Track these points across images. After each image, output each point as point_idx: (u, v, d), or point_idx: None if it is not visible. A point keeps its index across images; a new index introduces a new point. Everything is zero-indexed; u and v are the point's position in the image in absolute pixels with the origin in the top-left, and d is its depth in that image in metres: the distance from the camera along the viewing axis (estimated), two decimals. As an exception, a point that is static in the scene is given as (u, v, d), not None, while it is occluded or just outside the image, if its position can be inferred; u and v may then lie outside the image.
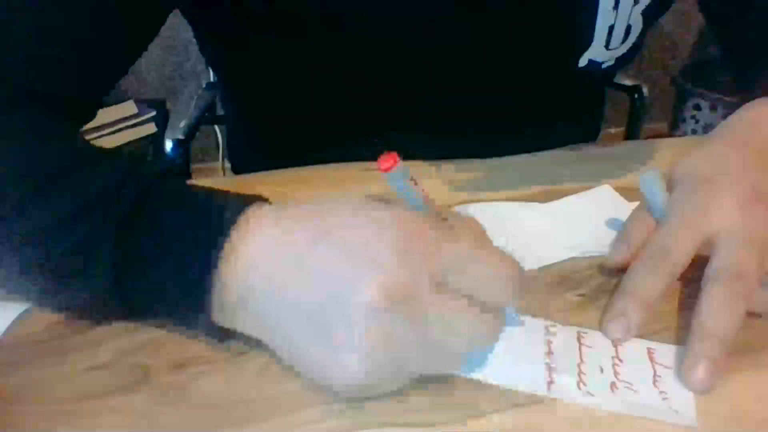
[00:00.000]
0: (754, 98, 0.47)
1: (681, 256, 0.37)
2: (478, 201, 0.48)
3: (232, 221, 0.32)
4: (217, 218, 0.32)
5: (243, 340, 0.34)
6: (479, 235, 0.33)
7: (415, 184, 0.31)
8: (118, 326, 0.36)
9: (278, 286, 0.31)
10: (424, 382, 0.32)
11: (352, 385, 0.30)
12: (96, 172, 0.35)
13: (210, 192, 0.35)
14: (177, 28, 1.62)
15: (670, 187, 0.41)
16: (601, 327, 0.36)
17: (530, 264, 0.41)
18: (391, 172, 0.30)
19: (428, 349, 0.30)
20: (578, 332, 0.36)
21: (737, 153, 0.42)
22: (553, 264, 0.41)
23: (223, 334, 0.34)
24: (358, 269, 0.29)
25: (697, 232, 0.37)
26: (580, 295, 0.39)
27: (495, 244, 0.33)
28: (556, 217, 0.46)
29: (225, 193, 0.35)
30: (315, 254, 0.30)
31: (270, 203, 0.35)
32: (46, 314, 0.37)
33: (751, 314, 0.35)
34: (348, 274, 0.29)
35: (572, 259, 0.42)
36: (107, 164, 0.36)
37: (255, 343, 0.34)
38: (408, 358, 0.30)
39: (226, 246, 0.31)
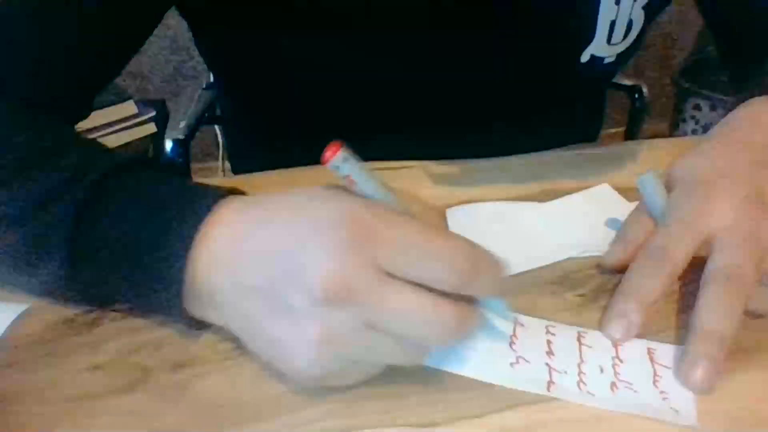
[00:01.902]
0: (751, 97, 0.47)
1: (680, 257, 0.37)
2: (478, 201, 0.48)
3: (201, 215, 0.32)
4: (183, 213, 0.33)
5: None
6: (436, 222, 0.31)
7: (367, 171, 0.30)
8: (118, 326, 0.36)
9: (232, 266, 0.31)
10: (423, 382, 0.32)
11: (304, 374, 0.30)
12: (56, 165, 0.35)
13: (174, 185, 0.35)
14: (178, 28, 1.63)
15: (668, 187, 0.41)
16: (601, 327, 0.36)
17: (530, 264, 0.41)
18: (332, 161, 0.29)
19: (381, 343, 0.29)
20: (578, 332, 0.36)
21: (735, 153, 0.42)
22: (553, 264, 0.41)
23: (199, 324, 0.34)
24: (303, 243, 0.29)
25: (696, 232, 0.37)
26: (580, 295, 0.39)
27: (490, 243, 0.32)
28: (555, 217, 0.46)
29: (191, 188, 0.35)
30: (261, 231, 0.31)
31: (242, 194, 0.35)
32: (46, 314, 0.37)
33: (751, 314, 0.35)
34: (293, 249, 0.29)
35: (572, 259, 0.42)
36: (72, 156, 0.36)
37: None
38: (358, 352, 0.29)
39: (195, 238, 0.32)
